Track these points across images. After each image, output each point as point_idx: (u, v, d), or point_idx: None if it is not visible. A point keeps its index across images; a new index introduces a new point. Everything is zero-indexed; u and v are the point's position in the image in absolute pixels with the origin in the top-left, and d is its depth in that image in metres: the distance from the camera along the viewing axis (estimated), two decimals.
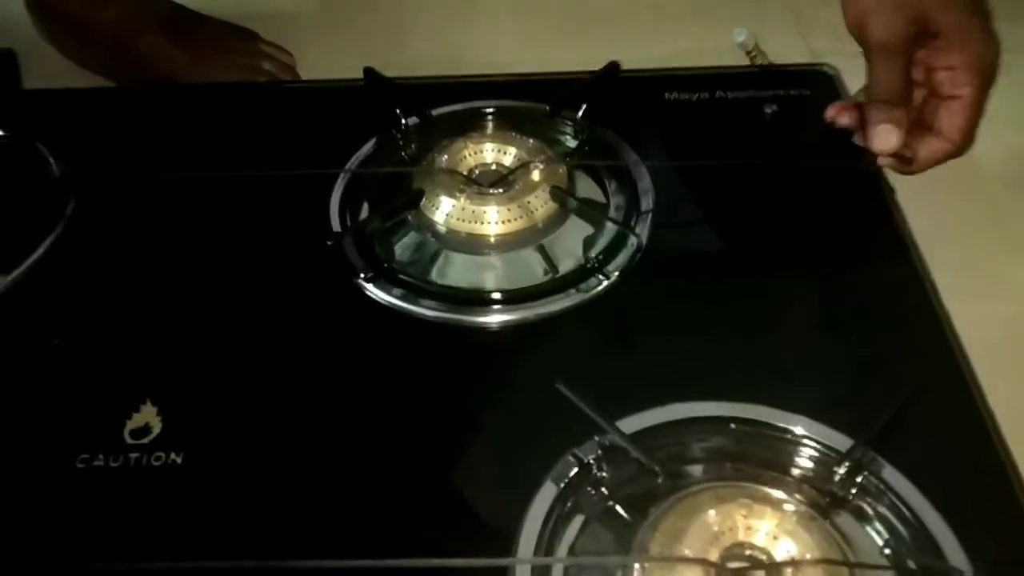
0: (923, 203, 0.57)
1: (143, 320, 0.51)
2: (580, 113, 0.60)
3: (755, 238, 0.55)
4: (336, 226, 0.54)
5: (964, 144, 0.58)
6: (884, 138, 0.55)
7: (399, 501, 0.43)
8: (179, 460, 0.44)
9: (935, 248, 0.54)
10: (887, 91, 0.56)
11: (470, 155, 0.57)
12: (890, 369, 0.48)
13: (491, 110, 0.61)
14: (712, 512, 0.39)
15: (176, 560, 0.40)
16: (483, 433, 0.46)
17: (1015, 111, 0.64)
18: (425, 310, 0.50)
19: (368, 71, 0.62)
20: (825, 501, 0.42)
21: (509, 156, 0.57)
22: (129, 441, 0.45)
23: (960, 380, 0.47)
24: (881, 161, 0.57)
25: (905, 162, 0.57)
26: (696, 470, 0.43)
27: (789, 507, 0.39)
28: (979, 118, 0.58)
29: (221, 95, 0.66)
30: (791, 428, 0.44)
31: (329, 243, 0.52)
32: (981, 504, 0.42)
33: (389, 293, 0.51)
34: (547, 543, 0.40)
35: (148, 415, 0.46)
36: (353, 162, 0.58)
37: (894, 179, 0.58)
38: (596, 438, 0.43)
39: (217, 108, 0.64)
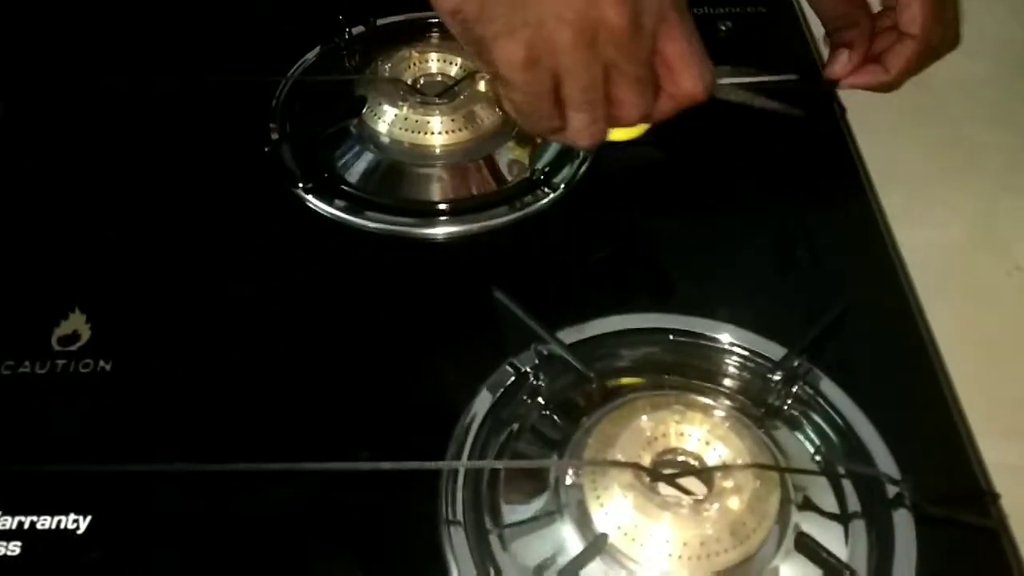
0: (875, 126, 0.57)
1: (73, 227, 0.49)
2: None
3: (702, 155, 0.54)
4: (276, 135, 0.53)
5: (901, 79, 0.55)
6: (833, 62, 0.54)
7: (335, 406, 0.42)
8: (108, 367, 0.43)
9: (884, 171, 0.54)
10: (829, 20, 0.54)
11: (415, 64, 0.55)
12: (832, 286, 0.48)
13: (437, 19, 0.58)
14: (645, 418, 0.38)
15: (103, 464, 0.39)
16: (422, 342, 0.45)
17: (970, 38, 0.63)
18: (368, 222, 0.50)
19: None
20: (760, 411, 0.42)
21: (455, 67, 0.55)
22: (57, 348, 0.44)
23: (901, 298, 0.47)
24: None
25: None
26: (633, 380, 0.43)
27: (721, 414, 0.39)
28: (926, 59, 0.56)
29: None
30: (729, 339, 0.44)
31: (267, 150, 0.51)
32: (914, 416, 0.43)
33: (331, 204, 0.50)
34: (481, 449, 0.40)
35: (77, 322, 0.45)
36: (295, 70, 0.56)
37: (847, 101, 0.57)
38: (534, 347, 0.42)
39: (159, 11, 0.61)
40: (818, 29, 0.59)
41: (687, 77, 0.41)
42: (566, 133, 0.42)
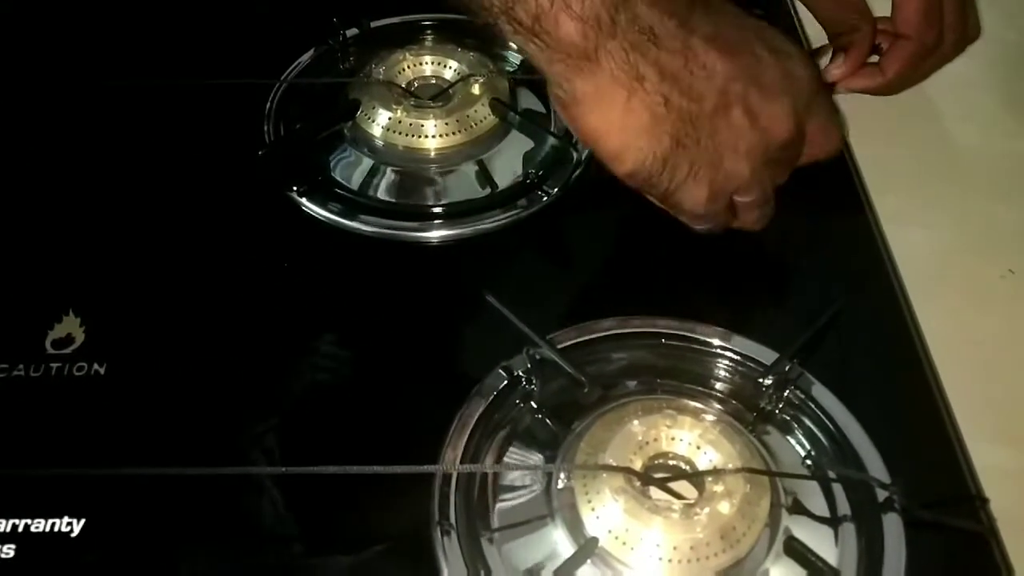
0: (868, 128, 0.57)
1: (67, 229, 0.49)
2: None
3: None
4: (269, 137, 0.53)
5: (898, 82, 0.56)
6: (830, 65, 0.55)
7: (328, 410, 0.43)
8: (102, 371, 0.43)
9: (878, 173, 0.54)
10: (828, 25, 0.55)
11: (409, 67, 0.55)
12: (824, 289, 0.48)
13: (432, 22, 0.59)
14: (637, 423, 0.39)
15: (97, 468, 0.39)
16: (415, 346, 0.45)
17: None
18: (361, 225, 0.50)
19: None
20: (752, 416, 0.42)
21: (449, 70, 0.55)
22: (50, 351, 0.44)
23: (892, 301, 0.47)
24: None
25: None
26: (625, 384, 0.43)
27: (712, 418, 0.39)
28: (920, 66, 0.56)
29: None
30: (720, 343, 0.44)
31: (260, 153, 0.51)
32: (905, 420, 0.43)
33: (324, 207, 0.50)
34: (474, 453, 0.40)
35: (70, 325, 0.45)
36: (289, 73, 0.57)
37: (840, 103, 0.57)
38: (527, 351, 0.42)
39: (154, 13, 0.61)
40: (812, 33, 0.60)
41: (825, 144, 0.45)
42: (738, 224, 0.46)
